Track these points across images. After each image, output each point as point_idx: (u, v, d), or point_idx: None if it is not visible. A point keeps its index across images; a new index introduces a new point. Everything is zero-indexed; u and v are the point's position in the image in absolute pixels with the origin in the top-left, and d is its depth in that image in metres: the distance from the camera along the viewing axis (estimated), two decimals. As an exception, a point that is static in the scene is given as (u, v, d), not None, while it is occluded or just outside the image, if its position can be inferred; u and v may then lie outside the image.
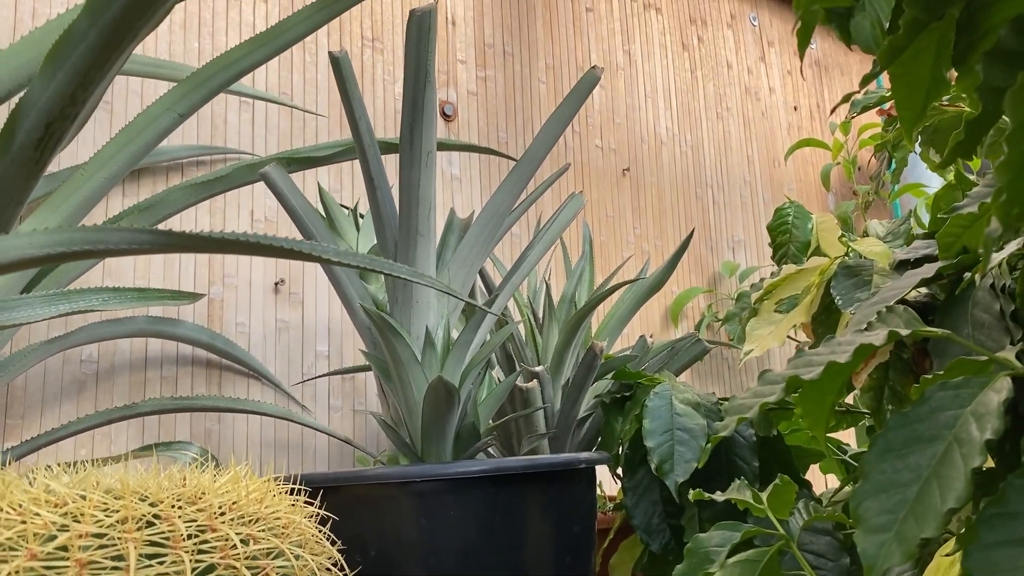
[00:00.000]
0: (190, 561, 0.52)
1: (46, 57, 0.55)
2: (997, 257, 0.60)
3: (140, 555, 0.52)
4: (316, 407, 1.26)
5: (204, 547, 0.54)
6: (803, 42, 0.52)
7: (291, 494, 0.68)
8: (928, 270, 0.70)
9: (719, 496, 0.63)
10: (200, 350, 1.15)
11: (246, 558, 0.55)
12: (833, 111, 0.93)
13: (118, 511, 0.53)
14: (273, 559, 0.57)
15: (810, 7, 0.47)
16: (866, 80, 0.55)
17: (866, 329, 0.62)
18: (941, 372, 0.54)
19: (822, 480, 1.52)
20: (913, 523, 0.44)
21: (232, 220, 1.22)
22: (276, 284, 1.26)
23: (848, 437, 1.58)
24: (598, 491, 1.28)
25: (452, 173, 1.49)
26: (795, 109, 2.25)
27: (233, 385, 1.19)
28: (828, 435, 1.07)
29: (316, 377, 1.25)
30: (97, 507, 0.53)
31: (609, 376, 1.10)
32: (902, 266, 0.76)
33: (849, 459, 1.11)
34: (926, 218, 1.76)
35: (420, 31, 0.81)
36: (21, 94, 0.61)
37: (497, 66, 1.62)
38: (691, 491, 0.65)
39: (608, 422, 1.08)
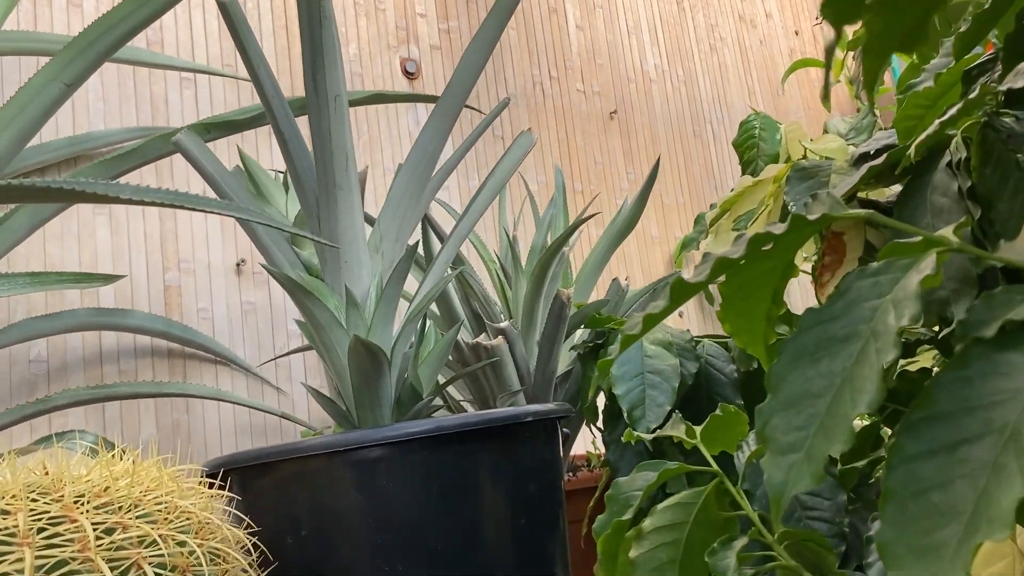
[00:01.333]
0: (32, 558, 0.46)
1: None
2: (936, 123, 0.51)
3: (-23, 554, 0.46)
4: (292, 389, 1.21)
5: (56, 540, 0.48)
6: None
7: (211, 480, 0.62)
8: (880, 159, 0.61)
9: (647, 435, 0.56)
10: (160, 340, 1.11)
11: (108, 549, 0.49)
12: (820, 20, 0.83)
13: (-43, 509, 0.48)
14: (145, 547, 0.51)
15: None
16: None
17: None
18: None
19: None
20: (823, 438, 0.36)
21: (182, 202, 1.17)
22: (238, 265, 1.20)
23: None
24: (592, 448, 1.21)
25: (415, 135, 1.42)
26: (796, 34, 2.12)
27: (200, 373, 1.14)
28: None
29: (284, 355, 1.20)
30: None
31: (584, 325, 1.03)
32: (861, 160, 0.67)
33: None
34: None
35: (309, -38, 0.74)
36: None
37: (460, 15, 1.53)
38: (626, 434, 0.58)
39: (584, 373, 1.00)
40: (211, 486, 0.61)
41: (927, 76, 0.61)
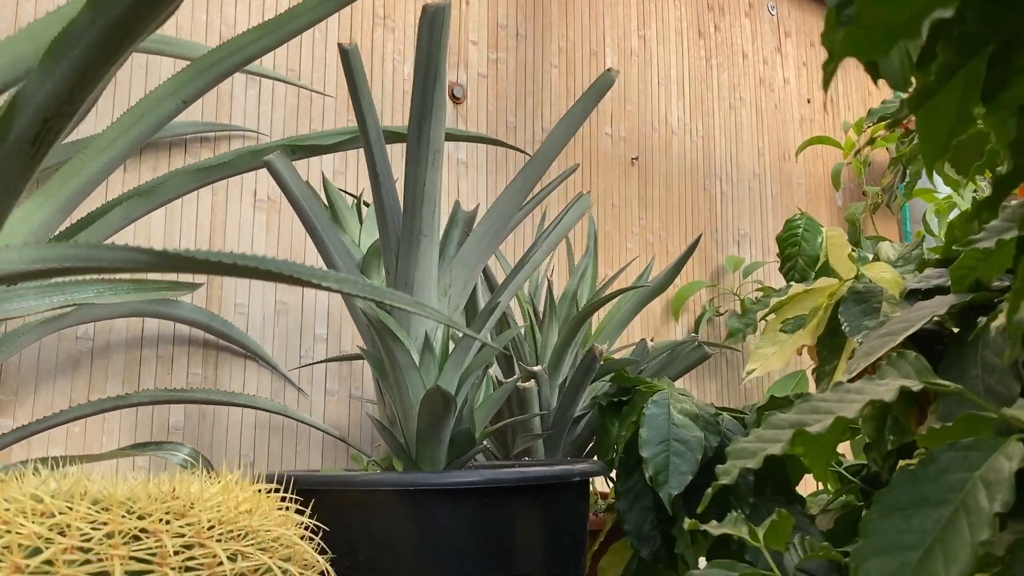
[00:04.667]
0: (176, 580, 0.51)
1: (45, 52, 0.53)
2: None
3: (126, 572, 0.51)
4: (313, 390, 1.26)
5: (191, 563, 0.53)
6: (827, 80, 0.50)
7: (281, 499, 0.67)
8: (939, 304, 0.68)
9: (714, 528, 0.62)
10: (197, 330, 1.14)
11: (233, 575, 0.54)
12: (863, 132, 0.90)
13: (105, 524, 0.52)
14: (261, 575, 0.56)
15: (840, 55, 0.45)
16: (892, 120, 0.53)
17: (874, 375, 0.61)
18: (948, 424, 0.53)
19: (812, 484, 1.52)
20: (915, 589, 0.43)
21: (235, 200, 1.21)
22: (276, 265, 1.24)
23: (843, 448, 1.57)
24: (591, 486, 1.28)
25: (459, 158, 1.47)
26: (808, 102, 2.22)
27: (230, 366, 1.18)
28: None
29: (314, 363, 1.24)
30: (84, 519, 0.52)
31: (607, 378, 1.10)
32: (912, 295, 0.75)
33: (844, 471, 1.10)
34: (935, 223, 1.74)
35: (432, 26, 0.79)
36: (17, 87, 0.59)
37: (509, 48, 1.59)
38: (686, 521, 0.64)
39: (604, 426, 1.07)
40: (300, 512, 0.66)
41: (987, 237, 0.69)
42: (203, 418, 1.13)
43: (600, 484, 1.33)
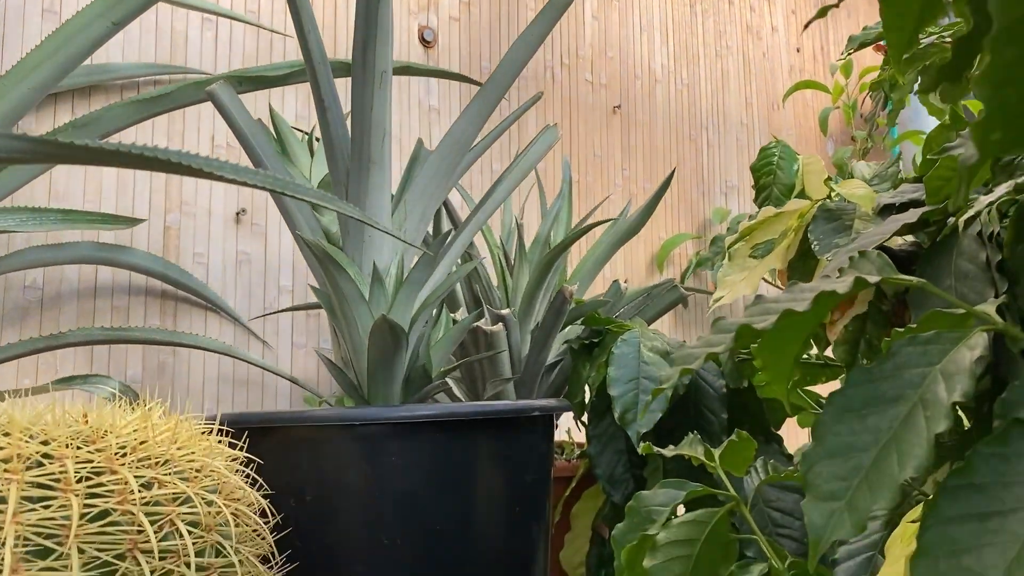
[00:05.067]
0: (79, 506, 0.47)
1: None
2: (985, 200, 0.54)
3: (23, 497, 0.47)
4: (278, 344, 1.22)
5: (99, 490, 0.49)
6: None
7: (220, 435, 0.64)
8: (912, 215, 0.64)
9: (669, 451, 0.59)
10: (154, 280, 1.10)
11: (146, 504, 0.51)
12: (843, 57, 0.86)
13: (2, 448, 0.49)
14: (179, 505, 0.53)
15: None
16: (873, 41, 0.48)
17: (837, 276, 0.57)
18: (914, 326, 0.49)
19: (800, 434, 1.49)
20: (867, 492, 0.40)
21: (191, 144, 1.16)
22: (237, 214, 1.20)
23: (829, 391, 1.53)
24: (566, 437, 1.24)
25: (430, 104, 1.42)
26: (797, 51, 2.16)
27: (189, 318, 1.14)
28: (807, 388, 1.02)
29: (276, 312, 1.20)
30: (-20, 444, 0.49)
31: (580, 321, 1.06)
32: (886, 211, 0.70)
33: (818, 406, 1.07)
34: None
35: (375, -63, 0.75)
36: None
37: (482, -9, 1.53)
38: (642, 445, 0.60)
39: (575, 368, 1.03)
40: (233, 445, 0.62)
41: (963, 141, 0.65)
42: (162, 371, 1.10)
43: (578, 435, 1.29)
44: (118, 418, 0.55)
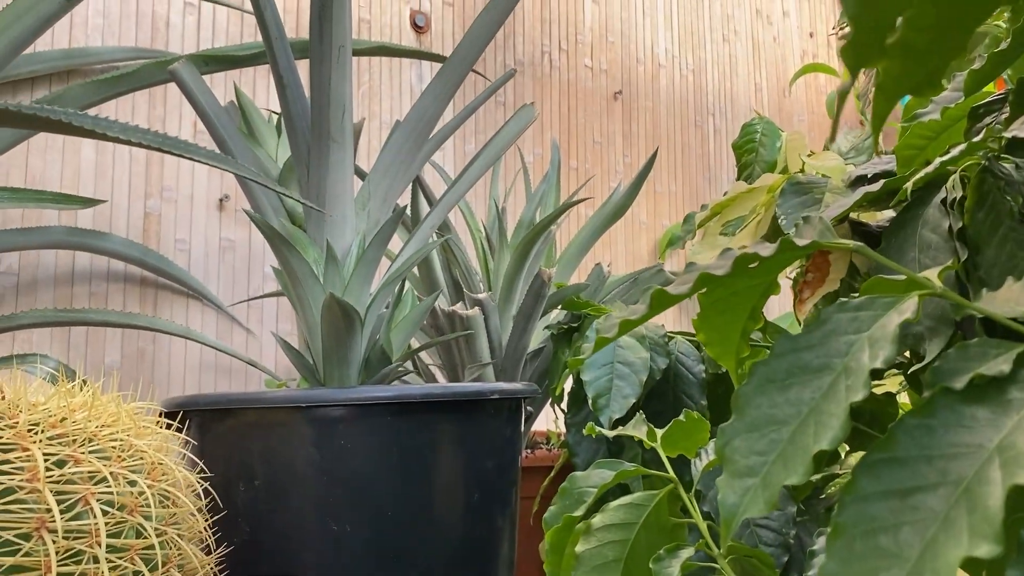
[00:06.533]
0: (-21, 482, 0.46)
1: None
2: (938, 160, 0.51)
3: (-79, 474, 0.46)
4: (263, 331, 1.20)
5: (5, 467, 0.48)
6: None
7: (165, 418, 0.62)
8: (876, 185, 0.60)
9: (610, 432, 0.56)
10: (133, 268, 1.09)
11: (57, 482, 0.49)
12: (839, 30, 0.82)
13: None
14: (95, 484, 0.51)
15: None
16: None
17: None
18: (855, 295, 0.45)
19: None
20: (781, 467, 0.37)
21: (172, 130, 1.15)
22: (221, 200, 1.19)
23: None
24: (552, 427, 1.21)
25: (422, 89, 1.40)
26: (811, 36, 2.10)
27: (170, 306, 1.13)
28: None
29: (262, 296, 1.19)
30: None
31: (560, 306, 1.03)
32: (858, 182, 0.67)
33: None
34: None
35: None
36: None
37: (476, -25, 1.51)
38: (587, 425, 0.58)
39: (555, 354, 1.00)
40: (169, 426, 0.60)
41: (934, 108, 0.61)
42: (141, 358, 1.09)
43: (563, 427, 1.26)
44: (41, 396, 0.53)
